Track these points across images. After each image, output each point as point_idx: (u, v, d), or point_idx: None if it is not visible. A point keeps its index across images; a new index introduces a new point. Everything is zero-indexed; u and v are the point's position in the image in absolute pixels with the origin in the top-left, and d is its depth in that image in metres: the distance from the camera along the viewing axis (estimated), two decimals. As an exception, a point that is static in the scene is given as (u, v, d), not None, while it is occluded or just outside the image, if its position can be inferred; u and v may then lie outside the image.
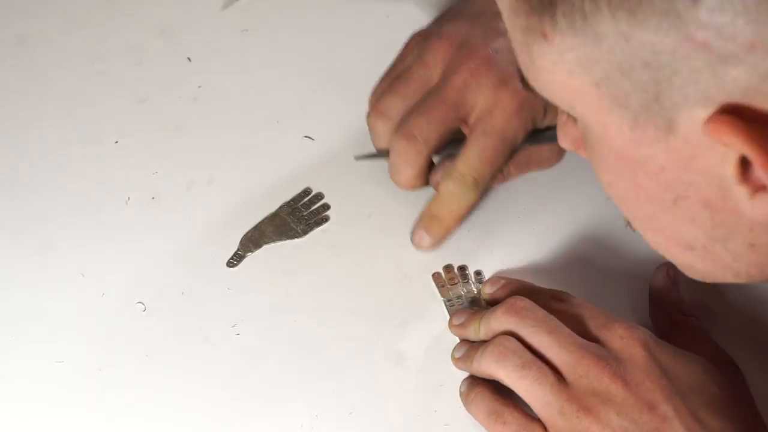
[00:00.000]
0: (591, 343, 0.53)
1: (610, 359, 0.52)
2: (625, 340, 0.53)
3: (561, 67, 0.38)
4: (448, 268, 0.63)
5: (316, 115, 0.71)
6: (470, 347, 0.57)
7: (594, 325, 0.55)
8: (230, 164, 0.69)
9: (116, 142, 0.70)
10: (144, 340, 0.60)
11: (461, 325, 0.59)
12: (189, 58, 0.75)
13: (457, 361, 0.58)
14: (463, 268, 0.63)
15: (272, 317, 0.61)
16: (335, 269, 0.64)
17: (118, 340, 0.60)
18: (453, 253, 0.64)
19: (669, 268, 0.60)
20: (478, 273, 0.63)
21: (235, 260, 0.64)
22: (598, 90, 0.38)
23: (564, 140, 0.48)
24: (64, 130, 0.70)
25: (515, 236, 0.65)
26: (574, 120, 0.45)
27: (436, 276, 0.63)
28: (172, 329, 0.61)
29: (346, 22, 0.77)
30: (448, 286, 0.63)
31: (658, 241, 0.44)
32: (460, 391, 0.57)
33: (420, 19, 0.72)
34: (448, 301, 0.62)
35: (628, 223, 0.46)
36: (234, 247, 0.64)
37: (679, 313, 0.59)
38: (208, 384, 0.59)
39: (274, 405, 0.58)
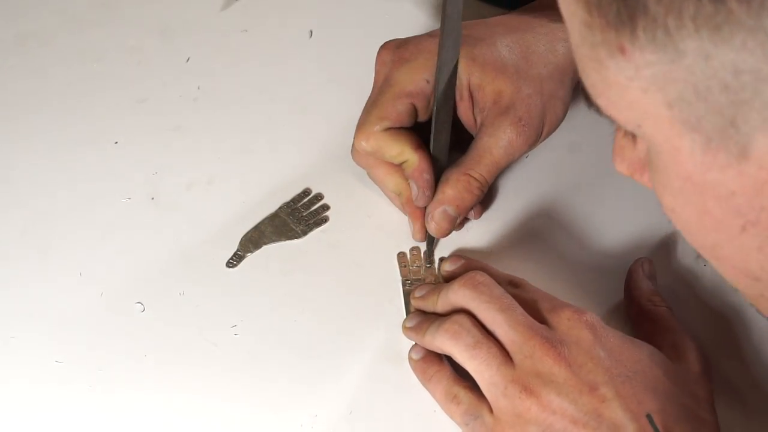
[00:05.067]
0: (540, 324, 0.55)
1: (555, 341, 0.54)
2: (572, 322, 0.55)
3: (635, 83, 0.37)
4: (414, 250, 0.64)
5: (316, 115, 0.71)
6: (423, 319, 0.59)
7: (544, 308, 0.56)
8: (230, 164, 0.69)
9: (116, 142, 0.70)
10: (143, 341, 0.60)
11: (422, 297, 0.60)
12: (188, 59, 0.75)
13: (408, 330, 0.59)
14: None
15: (272, 317, 0.61)
16: (335, 269, 0.64)
17: (116, 340, 0.60)
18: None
19: (644, 262, 0.62)
20: (443, 260, 0.64)
21: (234, 260, 0.64)
22: (671, 112, 0.37)
23: (621, 165, 0.46)
24: (64, 130, 0.70)
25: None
26: (633, 143, 0.44)
27: (400, 256, 0.64)
28: (171, 329, 0.61)
29: (345, 22, 0.77)
30: (410, 267, 0.63)
31: (725, 270, 0.43)
32: (410, 357, 0.59)
33: (420, 18, 0.72)
34: (407, 281, 0.63)
35: (699, 255, 0.44)
36: (234, 248, 0.64)
37: (650, 304, 0.60)
38: (207, 384, 0.59)
39: (274, 405, 0.58)
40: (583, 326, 0.54)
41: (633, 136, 0.44)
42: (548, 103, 0.63)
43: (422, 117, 0.63)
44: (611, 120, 0.41)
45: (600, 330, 0.55)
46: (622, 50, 0.37)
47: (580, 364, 0.53)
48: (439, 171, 0.62)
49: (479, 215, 0.66)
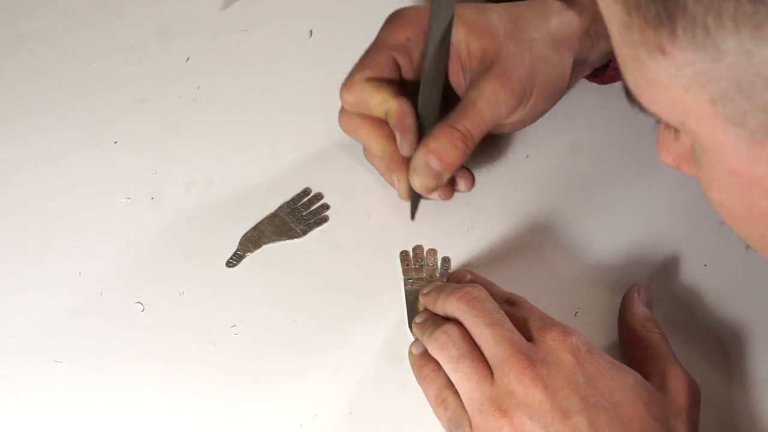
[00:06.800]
0: (526, 342, 0.54)
1: (536, 360, 0.52)
2: (557, 343, 0.53)
3: (677, 82, 0.37)
4: (417, 248, 0.64)
5: (315, 115, 0.71)
6: (427, 318, 0.59)
7: (534, 326, 0.55)
8: (230, 164, 0.69)
9: (115, 142, 0.70)
10: (143, 341, 0.60)
11: (426, 295, 0.60)
12: (188, 59, 0.75)
13: (416, 326, 0.59)
14: (432, 252, 0.64)
15: (272, 317, 0.61)
16: (335, 269, 0.64)
17: (116, 340, 0.60)
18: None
19: (641, 288, 0.61)
20: (445, 260, 0.64)
21: (234, 260, 0.64)
22: (714, 108, 0.37)
23: (666, 157, 0.46)
24: (64, 130, 0.70)
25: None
26: (676, 135, 0.44)
27: (403, 254, 0.64)
28: (171, 329, 0.61)
29: (345, 22, 0.77)
30: (413, 266, 0.63)
31: None
32: (410, 351, 0.58)
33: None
34: (408, 279, 0.63)
35: (747, 245, 0.44)
36: (233, 247, 0.64)
37: (643, 330, 0.59)
38: (207, 384, 0.59)
39: (274, 405, 0.58)
40: (567, 348, 0.53)
41: (676, 130, 0.43)
42: (538, 63, 0.62)
43: (407, 74, 0.64)
44: (655, 117, 0.40)
45: (584, 354, 0.53)
46: (662, 50, 0.36)
47: (558, 387, 0.52)
48: (426, 128, 0.61)
49: (470, 186, 0.64)
